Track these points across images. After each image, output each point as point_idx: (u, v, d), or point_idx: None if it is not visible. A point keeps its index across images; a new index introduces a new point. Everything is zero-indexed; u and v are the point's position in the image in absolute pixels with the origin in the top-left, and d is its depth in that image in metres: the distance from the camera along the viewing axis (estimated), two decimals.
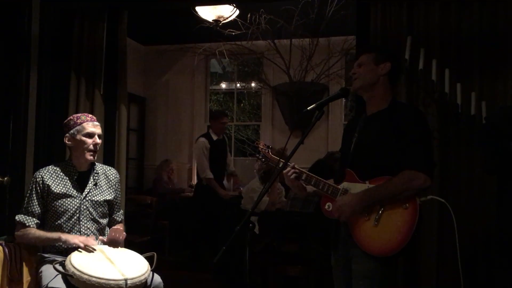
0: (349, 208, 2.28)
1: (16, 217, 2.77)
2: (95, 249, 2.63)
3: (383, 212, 2.23)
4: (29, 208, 2.76)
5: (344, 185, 2.36)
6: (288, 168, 2.45)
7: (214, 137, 5.69)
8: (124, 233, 2.79)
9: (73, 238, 2.65)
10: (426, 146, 2.29)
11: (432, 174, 2.25)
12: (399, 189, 2.21)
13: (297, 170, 2.45)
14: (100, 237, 2.79)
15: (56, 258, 2.62)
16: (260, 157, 2.61)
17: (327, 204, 2.37)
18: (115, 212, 3.00)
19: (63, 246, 2.70)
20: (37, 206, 2.76)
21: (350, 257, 2.36)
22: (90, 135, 2.81)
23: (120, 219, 3.03)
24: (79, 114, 2.93)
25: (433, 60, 3.18)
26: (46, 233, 2.72)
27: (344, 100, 6.94)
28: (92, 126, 2.84)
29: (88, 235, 2.78)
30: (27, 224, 2.73)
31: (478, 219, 3.11)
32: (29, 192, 2.80)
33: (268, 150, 2.60)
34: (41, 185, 2.77)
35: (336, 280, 2.49)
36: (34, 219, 2.75)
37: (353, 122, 2.58)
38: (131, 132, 7.22)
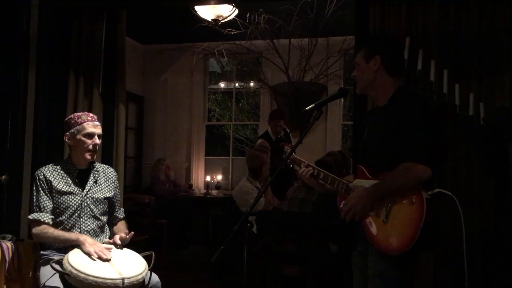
0: (358, 206, 2.26)
1: (30, 216, 2.74)
2: (109, 259, 2.57)
3: (391, 208, 2.21)
4: (41, 204, 2.74)
5: (356, 182, 2.35)
6: (303, 168, 2.48)
7: (273, 137, 5.64)
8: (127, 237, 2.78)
9: (90, 246, 2.60)
10: (424, 135, 2.20)
11: (432, 163, 2.18)
12: (399, 182, 2.18)
13: (310, 169, 2.48)
14: (106, 240, 2.79)
15: (55, 256, 2.62)
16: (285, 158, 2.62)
17: (342, 202, 2.36)
18: (116, 209, 3.01)
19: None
20: (48, 200, 2.75)
21: (368, 254, 2.35)
22: (90, 135, 2.81)
23: (122, 216, 3.03)
24: (80, 113, 2.91)
25: (432, 61, 3.19)
26: (65, 233, 2.70)
27: (342, 100, 6.94)
28: (93, 126, 2.83)
29: (88, 232, 2.78)
30: (42, 220, 2.71)
31: (476, 220, 3.12)
32: (35, 190, 2.78)
33: (293, 153, 2.60)
34: (44, 182, 2.76)
35: (355, 278, 2.48)
36: (48, 214, 2.73)
37: (367, 117, 2.54)
38: (129, 130, 7.22)
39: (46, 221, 2.71)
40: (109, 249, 2.66)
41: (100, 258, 2.55)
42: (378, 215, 2.24)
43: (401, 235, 2.16)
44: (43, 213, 2.73)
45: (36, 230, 2.72)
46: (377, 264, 2.26)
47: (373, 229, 2.26)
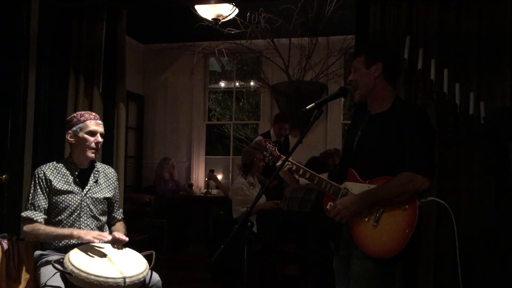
0: (348, 211, 2.26)
1: (23, 214, 2.74)
2: (102, 247, 2.62)
3: (382, 213, 2.21)
4: (36, 203, 2.73)
5: (346, 185, 2.34)
6: (281, 162, 2.45)
7: (273, 138, 5.58)
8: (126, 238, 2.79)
9: (86, 235, 2.62)
10: (426, 147, 2.24)
11: (431, 176, 2.23)
12: (397, 191, 2.19)
13: (289, 163, 2.46)
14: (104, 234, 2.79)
15: (55, 256, 2.61)
16: (268, 154, 2.61)
17: (329, 203, 2.34)
18: (115, 210, 3.01)
19: (70, 242, 2.69)
20: (44, 200, 2.74)
21: (351, 257, 2.33)
22: (93, 133, 2.82)
23: (120, 217, 3.04)
24: (82, 112, 2.92)
25: (432, 60, 3.18)
26: (57, 229, 2.69)
27: (342, 99, 6.94)
28: (95, 124, 2.84)
29: None
30: (34, 219, 2.70)
31: (476, 219, 3.11)
32: (32, 187, 2.78)
33: (275, 148, 2.61)
34: (43, 180, 2.76)
35: (338, 282, 2.46)
36: (41, 214, 2.73)
37: (357, 120, 2.53)
38: (129, 130, 7.22)
39: (39, 220, 2.71)
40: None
41: (101, 240, 2.61)
42: (368, 219, 2.24)
43: (391, 240, 2.17)
44: (37, 212, 2.72)
45: (27, 227, 2.71)
46: (362, 266, 2.25)
47: (362, 233, 2.25)
